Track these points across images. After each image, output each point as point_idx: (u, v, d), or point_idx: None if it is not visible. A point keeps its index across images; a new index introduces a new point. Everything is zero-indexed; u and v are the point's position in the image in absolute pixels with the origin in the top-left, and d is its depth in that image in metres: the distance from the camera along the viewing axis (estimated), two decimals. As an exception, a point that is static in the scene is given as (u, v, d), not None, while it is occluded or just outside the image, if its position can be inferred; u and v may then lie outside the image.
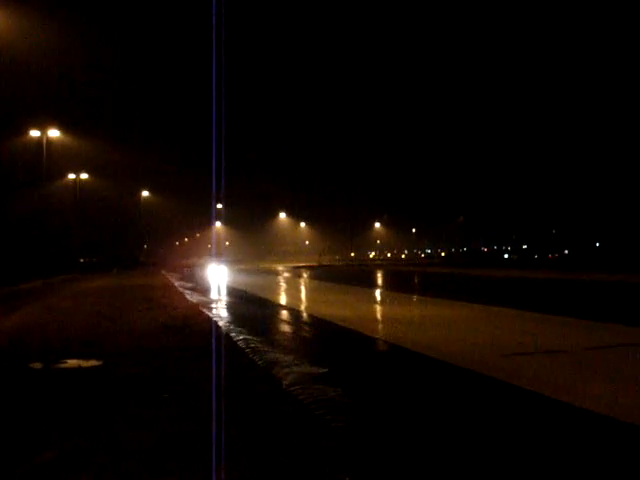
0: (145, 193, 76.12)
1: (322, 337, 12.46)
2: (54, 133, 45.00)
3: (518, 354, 9.25)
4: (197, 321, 14.00)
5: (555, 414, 6.03)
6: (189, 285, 31.25)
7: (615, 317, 13.45)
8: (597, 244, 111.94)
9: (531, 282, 30.89)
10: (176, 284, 32.38)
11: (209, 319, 14.57)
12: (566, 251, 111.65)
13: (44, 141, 43.90)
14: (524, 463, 4.74)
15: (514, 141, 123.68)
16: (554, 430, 5.54)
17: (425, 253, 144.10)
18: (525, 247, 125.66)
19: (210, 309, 17.21)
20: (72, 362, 8.90)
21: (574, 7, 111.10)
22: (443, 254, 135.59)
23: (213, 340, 11.07)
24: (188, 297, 22.08)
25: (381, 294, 25.25)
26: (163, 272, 54.77)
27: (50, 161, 46.17)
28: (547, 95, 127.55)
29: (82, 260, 63.71)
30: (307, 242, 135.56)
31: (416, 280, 37.17)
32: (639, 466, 4.65)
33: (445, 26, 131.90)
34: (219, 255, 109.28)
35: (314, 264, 78.19)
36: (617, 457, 4.86)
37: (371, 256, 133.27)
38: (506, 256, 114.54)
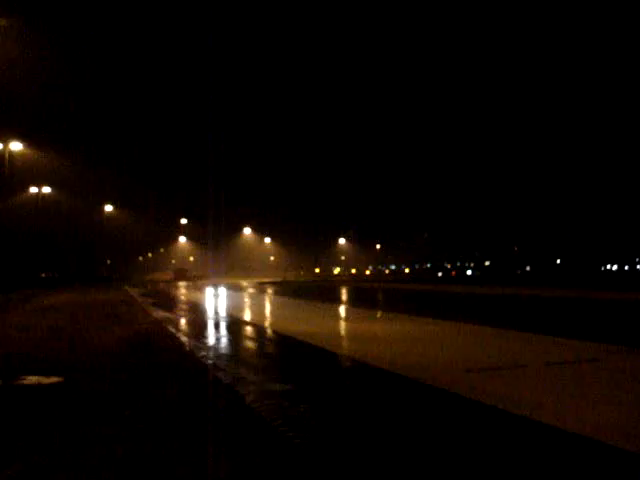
0: (108, 208, 75.35)
1: (287, 354, 12.45)
2: (17, 146, 44.33)
3: (482, 370, 9.35)
4: (160, 337, 13.87)
5: (513, 427, 6.12)
6: (152, 301, 30.99)
7: (576, 333, 13.70)
8: (558, 261, 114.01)
9: (495, 298, 31.24)
10: (139, 300, 32.07)
11: (172, 336, 14.44)
12: (528, 267, 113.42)
13: (6, 154, 43.23)
14: (482, 475, 4.82)
15: (477, 160, 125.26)
16: (511, 442, 5.63)
17: (389, 269, 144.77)
18: (488, 264, 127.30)
19: (174, 325, 17.07)
20: (32, 378, 8.74)
21: (571, 8, 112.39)
22: (407, 270, 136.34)
23: (176, 357, 10.99)
24: (151, 313, 21.88)
25: (346, 310, 25.29)
26: (126, 287, 54.18)
27: (12, 174, 45.48)
28: (509, 113, 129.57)
29: (43, 275, 62.70)
30: (272, 258, 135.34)
31: (380, 296, 37.31)
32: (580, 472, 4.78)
33: (410, 50, 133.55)
34: (184, 271, 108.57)
35: (279, 280, 78.00)
36: (561, 464, 4.98)
37: (335, 272, 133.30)
38: (469, 272, 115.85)
